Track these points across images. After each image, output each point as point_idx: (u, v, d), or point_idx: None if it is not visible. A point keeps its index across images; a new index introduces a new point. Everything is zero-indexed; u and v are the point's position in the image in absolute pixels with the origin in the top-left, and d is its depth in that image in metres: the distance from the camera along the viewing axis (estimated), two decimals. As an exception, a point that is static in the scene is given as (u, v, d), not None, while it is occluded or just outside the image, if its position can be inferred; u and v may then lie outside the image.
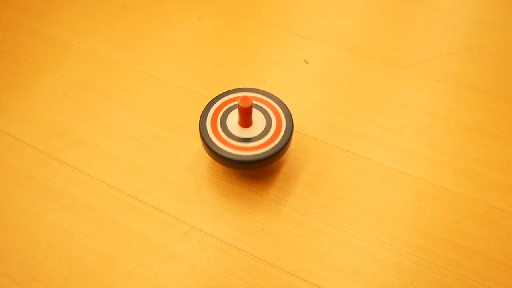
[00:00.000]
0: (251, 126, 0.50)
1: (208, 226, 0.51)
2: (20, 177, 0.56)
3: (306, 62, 0.67)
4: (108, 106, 0.63)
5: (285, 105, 0.53)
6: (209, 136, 0.50)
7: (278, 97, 0.62)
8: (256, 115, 0.52)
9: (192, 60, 0.68)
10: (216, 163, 0.56)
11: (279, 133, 0.50)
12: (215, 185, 0.54)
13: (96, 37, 0.72)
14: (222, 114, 0.52)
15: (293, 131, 0.58)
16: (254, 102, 0.53)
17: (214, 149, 0.49)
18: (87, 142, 0.59)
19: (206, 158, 0.57)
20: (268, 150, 0.48)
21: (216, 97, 0.54)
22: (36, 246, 0.50)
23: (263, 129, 0.50)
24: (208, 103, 0.53)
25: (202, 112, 0.52)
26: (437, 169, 0.55)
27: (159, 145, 0.58)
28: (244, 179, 0.55)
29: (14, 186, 0.55)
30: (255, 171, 0.55)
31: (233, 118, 0.51)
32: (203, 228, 0.50)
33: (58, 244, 0.50)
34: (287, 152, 0.56)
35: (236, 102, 0.53)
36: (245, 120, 0.49)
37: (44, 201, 0.53)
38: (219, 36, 0.72)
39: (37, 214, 0.52)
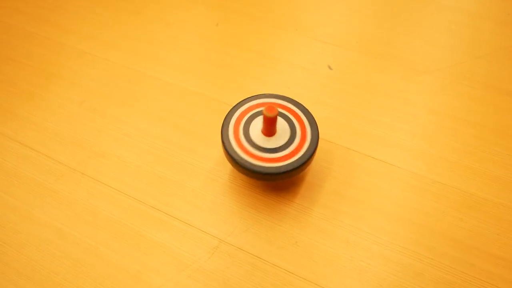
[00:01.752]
0: (275, 135, 0.49)
1: (238, 240, 0.49)
2: (40, 190, 0.54)
3: (330, 68, 0.65)
4: (127, 115, 0.61)
5: (309, 112, 0.51)
6: (232, 147, 0.48)
7: (302, 103, 0.61)
8: (280, 123, 0.50)
9: (211, 67, 0.66)
10: (237, 171, 0.54)
11: (304, 143, 0.48)
12: (239, 195, 0.52)
13: (112, 45, 0.70)
14: (245, 122, 0.50)
15: (320, 139, 0.57)
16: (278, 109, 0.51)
17: (239, 161, 0.47)
18: (108, 153, 0.57)
19: (227, 166, 0.55)
20: (294, 162, 0.46)
21: (238, 103, 0.52)
22: (60, 262, 0.48)
23: (287, 138, 0.48)
24: (230, 111, 0.51)
25: (224, 121, 0.50)
26: (473, 178, 0.53)
27: (181, 154, 0.56)
28: (267, 188, 0.53)
29: (35, 199, 0.53)
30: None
31: (256, 126, 0.49)
32: (233, 242, 0.48)
33: (82, 260, 0.48)
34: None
35: (258, 109, 0.51)
36: (270, 129, 0.47)
37: (66, 215, 0.51)
38: (238, 43, 0.70)
39: (59, 229, 0.50)
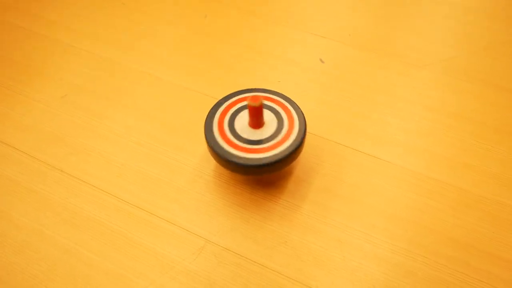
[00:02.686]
0: (262, 128, 0.47)
1: (224, 240, 0.46)
2: (18, 189, 0.51)
3: (322, 62, 0.63)
4: (111, 110, 0.59)
5: (297, 105, 0.49)
6: (215, 138, 0.46)
7: (292, 97, 0.59)
8: (267, 116, 0.48)
9: (199, 61, 0.64)
10: (222, 168, 0.52)
11: (290, 133, 0.46)
12: (225, 192, 0.50)
13: (96, 38, 0.68)
14: (231, 115, 0.48)
15: (309, 134, 0.55)
16: (265, 102, 0.49)
17: (220, 152, 0.44)
18: (90, 149, 0.54)
19: (212, 162, 0.53)
20: (279, 153, 0.44)
21: (224, 98, 0.50)
22: (37, 265, 0.46)
23: (274, 130, 0.46)
24: (215, 104, 0.49)
25: (208, 114, 0.48)
26: (469, 175, 0.51)
27: (167, 151, 0.54)
28: (254, 184, 0.51)
29: (12, 199, 0.50)
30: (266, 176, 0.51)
31: (242, 120, 0.47)
32: (220, 242, 0.46)
33: (61, 262, 0.46)
34: (300, 154, 0.52)
35: (245, 103, 0.49)
36: (255, 120, 0.45)
37: (44, 215, 0.49)
38: (227, 36, 0.68)
39: (37, 229, 0.48)
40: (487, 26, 0.68)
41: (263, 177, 0.51)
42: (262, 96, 0.50)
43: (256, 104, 0.43)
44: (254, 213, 0.48)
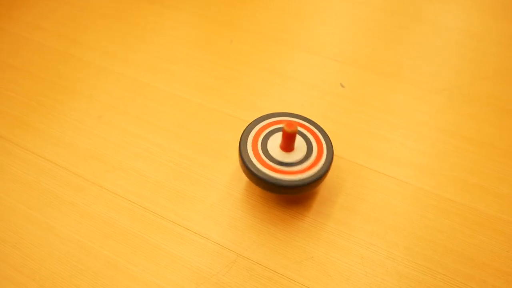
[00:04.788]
0: (292, 152, 0.50)
1: (255, 254, 0.50)
2: (60, 203, 0.55)
3: (343, 86, 0.67)
4: (144, 130, 0.62)
5: (324, 131, 0.53)
6: (250, 159, 0.49)
7: (315, 120, 0.62)
8: (298, 140, 0.51)
9: (226, 84, 0.68)
10: (252, 186, 0.55)
11: (320, 158, 0.50)
12: (254, 210, 0.53)
13: (129, 61, 0.72)
14: (263, 138, 0.52)
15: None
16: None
17: (256, 172, 0.48)
18: (126, 167, 0.58)
19: (242, 181, 0.56)
20: (310, 176, 0.48)
21: (256, 119, 0.54)
22: (81, 275, 0.49)
23: (304, 154, 0.50)
24: (248, 125, 0.53)
25: (242, 136, 0.52)
26: (482, 195, 0.55)
27: (199, 169, 0.58)
28: (282, 202, 0.54)
29: (55, 212, 0.54)
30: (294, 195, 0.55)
31: (274, 142, 0.51)
32: (251, 256, 0.50)
33: (102, 273, 0.49)
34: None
35: (276, 126, 0.53)
36: (288, 144, 0.49)
37: (86, 228, 0.52)
38: (252, 60, 0.72)
39: (80, 242, 0.51)
40: (498, 52, 0.72)
41: (291, 196, 0.55)
42: (296, 122, 0.53)
43: (291, 130, 0.46)
44: (283, 230, 0.52)
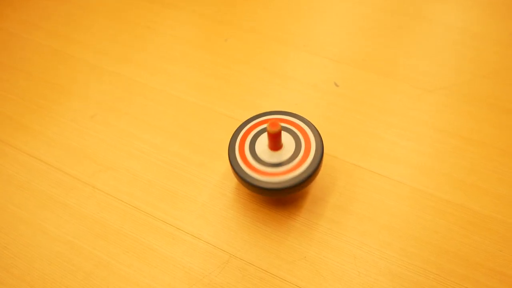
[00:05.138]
0: (281, 149, 0.50)
1: (248, 254, 0.49)
2: (51, 203, 0.55)
3: (337, 85, 0.66)
4: (138, 129, 0.62)
5: (314, 126, 0.52)
6: (238, 163, 0.49)
7: (308, 119, 0.62)
8: (286, 137, 0.51)
9: (221, 83, 0.68)
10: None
11: (308, 155, 0.49)
12: (246, 209, 0.53)
13: (123, 59, 0.72)
14: (251, 138, 0.51)
15: (325, 154, 0.58)
16: (283, 124, 0.52)
17: (243, 176, 0.48)
18: (119, 166, 0.58)
19: (235, 180, 0.56)
20: (297, 176, 0.47)
21: (245, 121, 0.54)
22: (72, 276, 0.49)
23: (292, 152, 0.50)
24: (237, 129, 0.53)
25: (231, 138, 0.52)
26: (478, 195, 0.54)
27: (191, 169, 0.57)
28: (274, 201, 0.54)
29: (46, 212, 0.54)
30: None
31: (263, 142, 0.51)
32: (243, 257, 0.49)
33: (93, 273, 0.49)
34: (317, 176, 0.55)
35: (265, 125, 0.52)
36: (274, 143, 0.49)
37: (77, 228, 0.52)
38: (247, 59, 0.71)
39: (71, 242, 0.51)
40: (496, 51, 0.72)
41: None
42: (281, 118, 0.53)
43: (274, 130, 0.46)
44: (275, 230, 0.51)
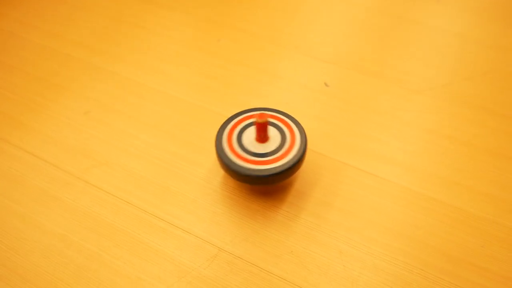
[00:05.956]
0: (266, 143, 0.52)
1: (236, 249, 0.51)
2: (45, 197, 0.56)
3: (327, 85, 0.68)
4: (131, 126, 0.63)
5: (298, 122, 0.54)
6: (224, 151, 0.51)
7: (298, 117, 0.63)
8: (272, 132, 0.53)
9: (213, 82, 0.69)
10: (235, 182, 0.56)
11: (292, 147, 0.51)
12: (237, 205, 0.54)
13: (121, 59, 0.73)
14: (239, 131, 0.53)
15: (312, 151, 0.59)
16: (270, 120, 0.54)
17: (229, 163, 0.50)
18: (112, 162, 0.59)
19: (227, 177, 0.57)
20: (282, 164, 0.49)
21: (233, 115, 0.55)
22: (64, 268, 0.50)
23: (278, 144, 0.51)
24: (225, 121, 0.55)
25: (219, 129, 0.54)
26: (462, 193, 0.56)
27: (183, 165, 0.58)
28: (263, 197, 0.55)
29: (39, 206, 0.55)
30: (270, 187, 0.56)
31: (249, 135, 0.53)
32: (232, 251, 0.51)
33: (85, 266, 0.50)
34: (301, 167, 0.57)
35: (252, 120, 0.54)
36: (262, 135, 0.51)
37: (70, 222, 0.53)
38: (239, 59, 0.73)
39: (64, 236, 0.52)
40: (481, 53, 0.73)
41: (269, 188, 0.56)
42: (268, 114, 0.55)
43: (262, 120, 0.48)
44: (263, 224, 0.53)
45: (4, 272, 0.49)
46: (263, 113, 0.49)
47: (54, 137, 0.62)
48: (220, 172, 0.58)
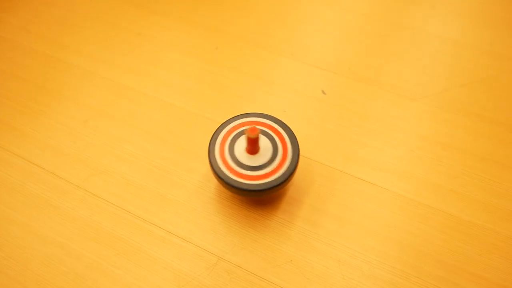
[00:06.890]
0: (258, 153, 0.52)
1: (235, 257, 0.51)
2: (45, 206, 0.56)
3: (324, 93, 0.68)
4: (129, 134, 0.63)
5: (291, 130, 0.54)
6: (218, 165, 0.51)
7: (294, 125, 0.64)
8: (263, 141, 0.53)
9: (210, 89, 0.69)
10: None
11: (284, 161, 0.51)
12: (236, 214, 0.55)
13: (115, 65, 0.73)
14: (231, 140, 0.53)
15: (307, 159, 0.60)
16: (260, 127, 0.54)
17: (223, 177, 0.50)
18: (111, 171, 0.59)
19: (214, 181, 0.58)
20: (275, 179, 0.50)
21: (224, 122, 0.55)
22: (64, 277, 0.50)
23: (270, 157, 0.52)
24: (216, 130, 0.55)
25: (211, 140, 0.54)
26: (457, 201, 0.56)
27: (180, 173, 0.59)
28: (263, 207, 0.56)
29: (39, 215, 0.55)
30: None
31: (241, 144, 0.53)
32: (231, 259, 0.51)
33: (85, 275, 0.50)
34: (306, 178, 0.57)
35: (244, 128, 0.54)
36: (252, 148, 0.51)
37: (69, 230, 0.53)
38: (237, 66, 0.73)
39: (64, 244, 0.52)
40: (476, 60, 0.74)
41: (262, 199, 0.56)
42: (258, 121, 0.55)
43: (253, 136, 0.48)
44: (263, 234, 0.53)
45: (5, 281, 0.50)
46: (255, 127, 0.48)
47: (53, 145, 0.62)
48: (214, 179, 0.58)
